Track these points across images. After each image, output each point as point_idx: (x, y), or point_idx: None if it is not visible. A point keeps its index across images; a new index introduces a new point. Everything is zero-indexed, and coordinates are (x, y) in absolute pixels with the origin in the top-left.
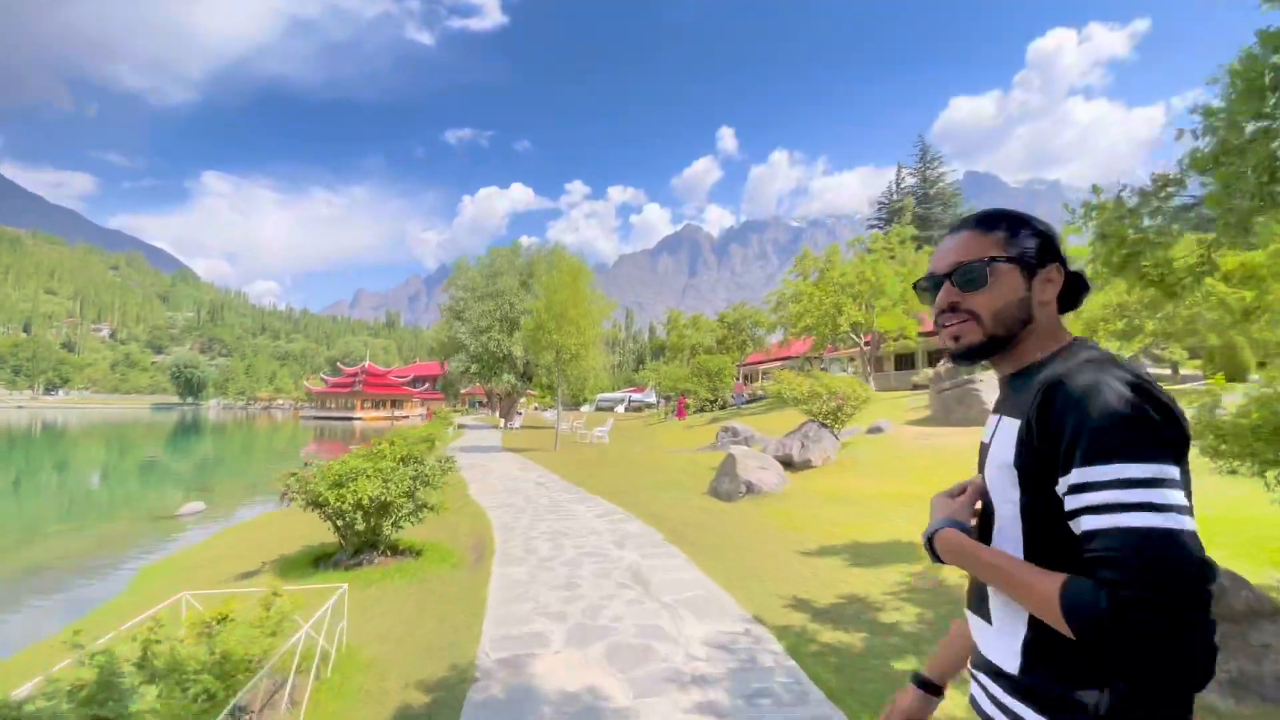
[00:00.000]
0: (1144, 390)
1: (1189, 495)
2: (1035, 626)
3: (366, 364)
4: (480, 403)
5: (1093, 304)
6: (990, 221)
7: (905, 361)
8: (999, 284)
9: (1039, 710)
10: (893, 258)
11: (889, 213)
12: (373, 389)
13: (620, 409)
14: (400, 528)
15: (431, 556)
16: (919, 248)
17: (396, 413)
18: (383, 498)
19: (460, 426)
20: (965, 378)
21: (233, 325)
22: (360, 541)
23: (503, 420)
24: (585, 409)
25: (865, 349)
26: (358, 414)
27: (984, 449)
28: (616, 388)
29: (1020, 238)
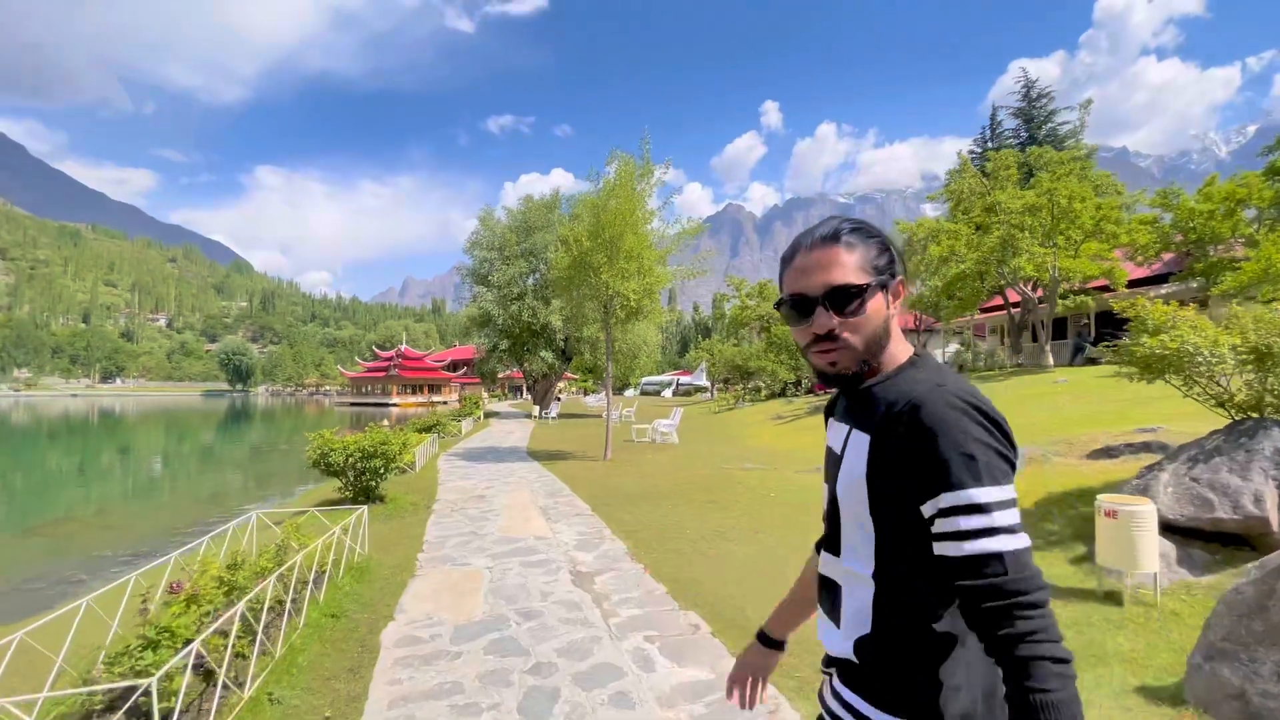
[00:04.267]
0: (993, 418)
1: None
2: (879, 627)
3: (403, 347)
4: (517, 387)
5: None
6: (853, 237)
7: (1037, 331)
8: (870, 307)
9: (866, 697)
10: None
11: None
12: (409, 373)
13: (667, 394)
14: None
15: None
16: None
17: (434, 398)
18: None
19: (488, 415)
20: None
21: (284, 313)
22: None
23: (537, 408)
24: (629, 393)
25: (1012, 311)
26: (393, 399)
27: (833, 458)
28: (661, 371)
29: (876, 255)
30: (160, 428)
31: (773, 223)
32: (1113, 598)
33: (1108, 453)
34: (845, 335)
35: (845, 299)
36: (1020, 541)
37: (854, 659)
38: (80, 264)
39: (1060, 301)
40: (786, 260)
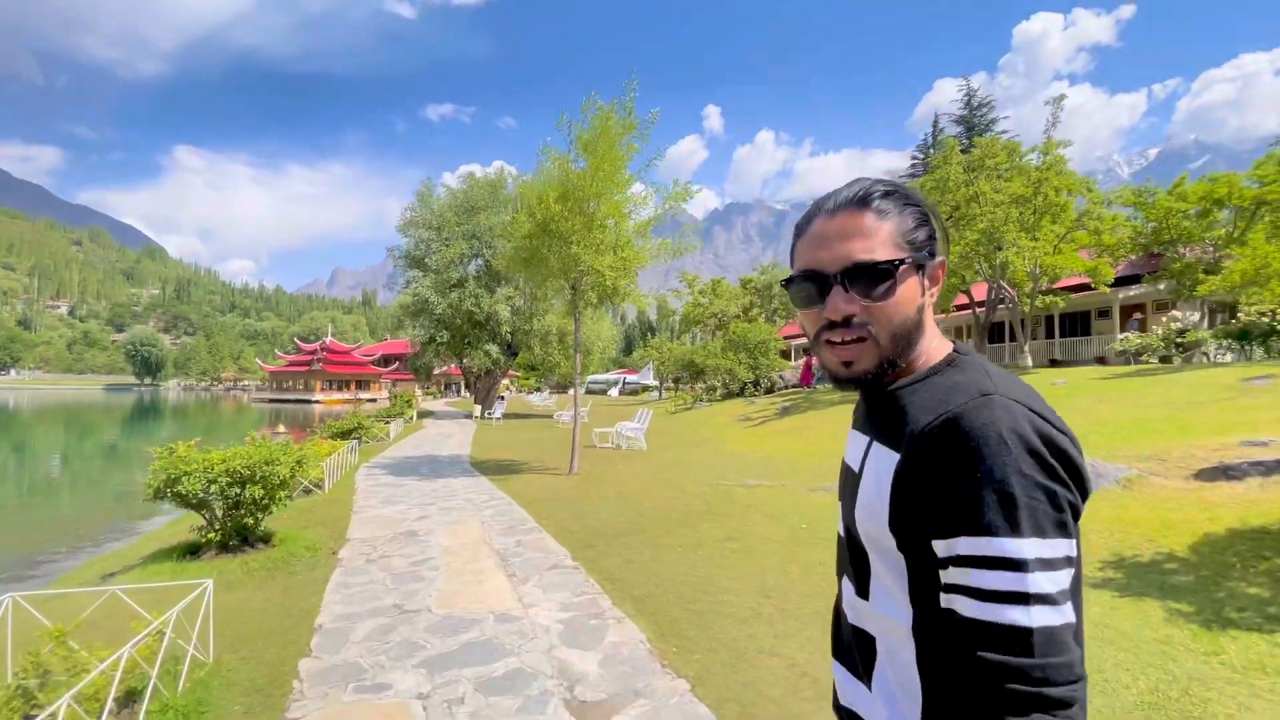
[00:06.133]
0: (1055, 445)
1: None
2: (933, 703)
3: (327, 340)
4: (452, 384)
5: None
6: (886, 202)
7: (997, 332)
8: (903, 292)
9: None
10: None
11: (925, 169)
12: (334, 368)
13: (613, 392)
14: None
15: None
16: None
17: (362, 395)
18: None
19: (422, 415)
20: None
21: (200, 303)
22: None
23: (479, 407)
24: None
25: (977, 312)
26: (316, 396)
27: (850, 476)
28: (606, 369)
29: (913, 227)
30: (39, 427)
31: (713, 226)
32: None
33: (1226, 473)
34: (868, 326)
35: (871, 279)
36: (1061, 616)
37: None
38: None
39: (1045, 299)
40: (801, 229)
